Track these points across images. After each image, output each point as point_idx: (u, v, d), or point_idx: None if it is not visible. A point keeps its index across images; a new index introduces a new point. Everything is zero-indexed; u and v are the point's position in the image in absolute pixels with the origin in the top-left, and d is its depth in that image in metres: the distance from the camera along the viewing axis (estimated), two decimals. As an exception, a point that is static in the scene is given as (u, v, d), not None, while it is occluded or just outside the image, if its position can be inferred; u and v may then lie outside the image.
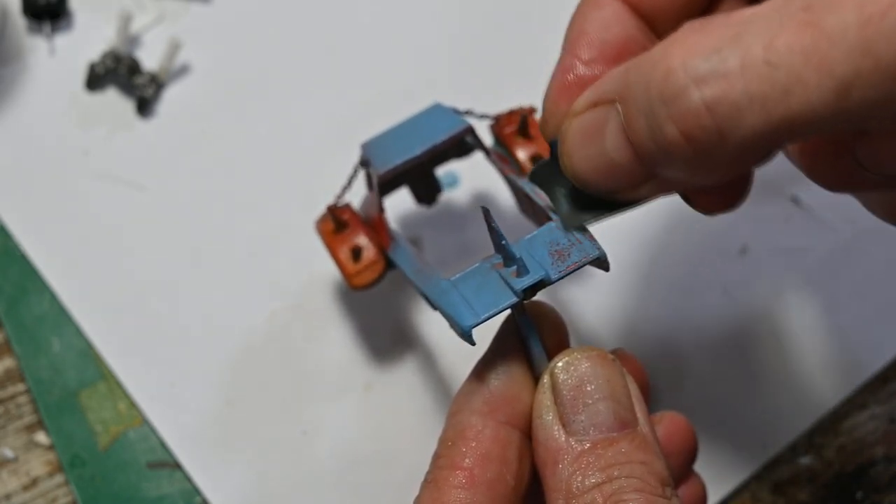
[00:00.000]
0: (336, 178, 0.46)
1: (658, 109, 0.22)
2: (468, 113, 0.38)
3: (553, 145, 0.29)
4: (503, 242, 0.28)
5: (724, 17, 0.22)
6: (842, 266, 0.43)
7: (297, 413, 0.40)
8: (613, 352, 0.34)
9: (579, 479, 0.25)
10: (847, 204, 0.33)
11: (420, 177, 0.40)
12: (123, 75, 0.47)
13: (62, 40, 0.49)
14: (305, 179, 0.46)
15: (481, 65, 0.49)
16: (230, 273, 0.43)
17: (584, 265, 0.28)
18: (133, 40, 0.49)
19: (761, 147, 0.22)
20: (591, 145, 0.25)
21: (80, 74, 0.48)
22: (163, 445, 0.40)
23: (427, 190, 0.41)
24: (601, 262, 0.28)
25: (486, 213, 0.29)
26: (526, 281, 0.27)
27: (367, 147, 0.38)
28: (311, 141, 0.47)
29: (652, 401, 0.40)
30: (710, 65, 0.21)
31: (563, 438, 0.26)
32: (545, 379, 0.27)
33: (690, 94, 0.22)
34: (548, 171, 0.29)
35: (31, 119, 0.47)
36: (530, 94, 0.44)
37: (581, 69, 0.28)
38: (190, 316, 0.42)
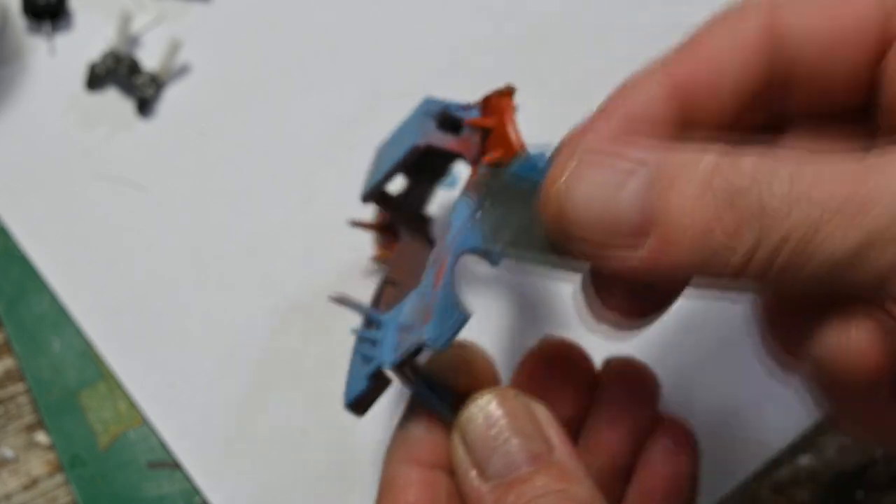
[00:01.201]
0: (336, 178, 0.46)
1: (719, 193, 0.23)
2: (451, 111, 0.36)
3: (524, 167, 0.28)
4: (367, 320, 0.30)
5: (785, 152, 0.23)
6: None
7: (298, 413, 0.40)
8: (623, 361, 0.34)
9: None
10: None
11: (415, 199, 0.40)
12: (123, 75, 0.47)
13: (62, 40, 0.49)
14: (306, 179, 0.46)
15: (481, 64, 0.49)
16: (230, 273, 0.43)
17: (415, 348, 0.27)
18: (133, 40, 0.49)
19: (776, 277, 0.23)
20: (604, 186, 0.25)
21: (80, 74, 0.48)
22: (163, 445, 0.40)
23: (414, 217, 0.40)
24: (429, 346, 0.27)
25: (340, 301, 0.30)
26: (367, 370, 0.29)
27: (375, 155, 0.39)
28: (312, 141, 0.47)
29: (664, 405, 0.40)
30: (773, 185, 0.22)
31: (481, 486, 0.26)
32: (455, 432, 0.28)
33: (753, 198, 0.22)
34: (496, 184, 0.28)
35: (31, 119, 0.47)
36: (529, 95, 0.44)
37: (605, 133, 0.28)
38: (190, 316, 0.42)
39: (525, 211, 0.27)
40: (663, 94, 0.29)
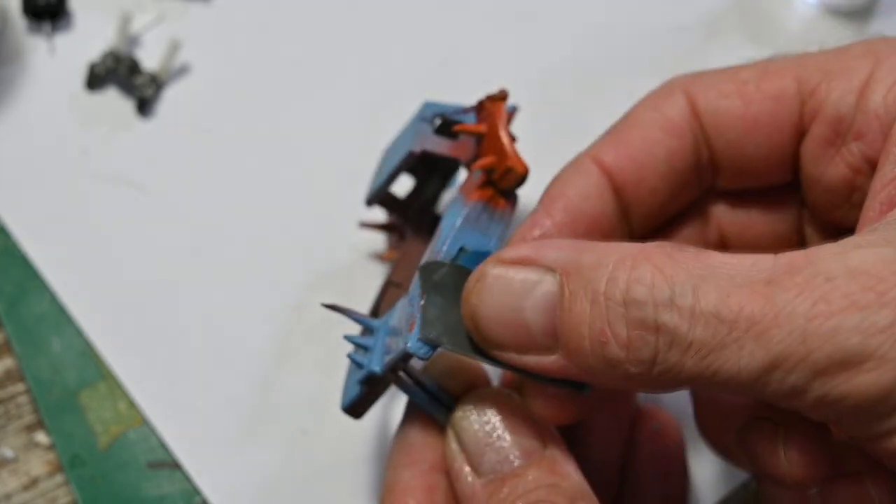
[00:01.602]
0: (336, 178, 0.46)
1: (614, 307, 0.23)
2: (449, 115, 0.36)
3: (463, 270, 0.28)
4: (362, 329, 0.31)
5: (696, 253, 0.23)
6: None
7: (297, 413, 0.40)
8: None
9: None
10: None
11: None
12: (123, 75, 0.47)
13: (62, 40, 0.49)
14: (306, 179, 0.46)
15: (483, 66, 0.49)
16: (230, 273, 0.43)
17: (399, 358, 0.28)
18: (133, 40, 0.49)
19: (686, 385, 0.23)
20: (509, 299, 0.25)
21: (80, 74, 0.48)
22: (163, 445, 0.40)
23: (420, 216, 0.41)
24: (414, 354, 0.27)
25: (333, 308, 0.31)
26: (359, 376, 0.29)
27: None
28: (312, 140, 0.47)
29: (655, 399, 0.40)
30: (673, 296, 0.22)
31: (475, 482, 0.27)
32: (449, 430, 0.28)
33: (649, 311, 0.23)
34: (441, 275, 0.28)
35: (31, 119, 0.47)
36: (530, 96, 0.44)
37: (549, 229, 0.29)
38: (190, 316, 0.42)
39: (459, 308, 0.27)
40: (597, 184, 0.30)
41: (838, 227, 0.30)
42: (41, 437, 0.40)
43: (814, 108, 0.28)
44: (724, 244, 0.32)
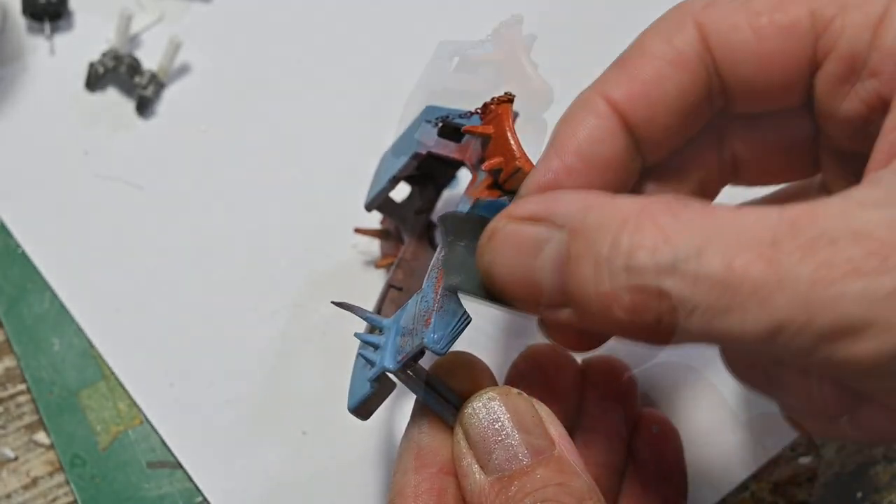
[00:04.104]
0: (336, 177, 0.46)
1: (617, 272, 0.23)
2: (452, 119, 0.36)
3: (480, 214, 0.28)
4: (370, 328, 0.30)
5: (701, 210, 0.23)
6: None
7: (297, 413, 0.40)
8: (603, 361, 0.35)
9: None
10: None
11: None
12: (123, 75, 0.47)
13: (62, 40, 0.49)
14: (306, 178, 0.46)
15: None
16: (230, 273, 0.43)
17: (416, 352, 0.28)
18: (133, 40, 0.49)
19: (691, 343, 0.24)
20: (521, 256, 0.25)
21: (80, 74, 0.48)
22: (163, 445, 0.40)
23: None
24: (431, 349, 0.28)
25: (343, 306, 0.31)
26: (370, 374, 0.29)
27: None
28: (312, 140, 0.47)
29: (653, 401, 0.40)
30: (676, 261, 0.22)
31: (482, 480, 0.27)
32: (457, 428, 0.28)
33: (651, 277, 0.23)
34: (461, 226, 0.28)
35: (31, 119, 0.47)
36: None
37: (561, 174, 0.29)
38: (190, 316, 0.42)
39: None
40: (608, 125, 0.29)
41: (853, 152, 0.30)
42: (41, 437, 0.40)
43: (828, 44, 0.28)
44: (737, 166, 0.32)
